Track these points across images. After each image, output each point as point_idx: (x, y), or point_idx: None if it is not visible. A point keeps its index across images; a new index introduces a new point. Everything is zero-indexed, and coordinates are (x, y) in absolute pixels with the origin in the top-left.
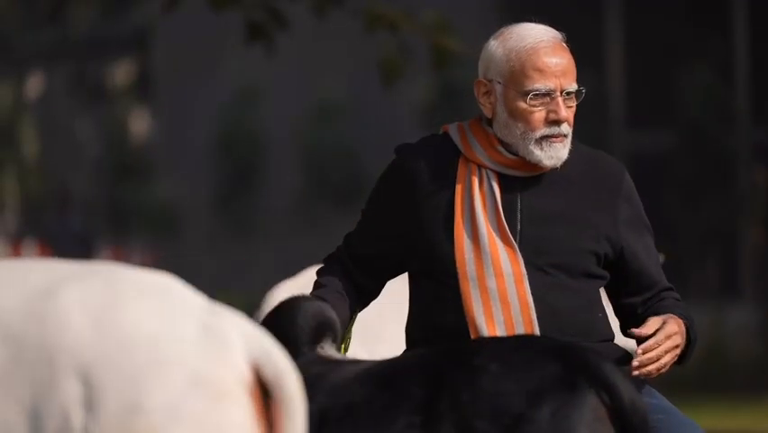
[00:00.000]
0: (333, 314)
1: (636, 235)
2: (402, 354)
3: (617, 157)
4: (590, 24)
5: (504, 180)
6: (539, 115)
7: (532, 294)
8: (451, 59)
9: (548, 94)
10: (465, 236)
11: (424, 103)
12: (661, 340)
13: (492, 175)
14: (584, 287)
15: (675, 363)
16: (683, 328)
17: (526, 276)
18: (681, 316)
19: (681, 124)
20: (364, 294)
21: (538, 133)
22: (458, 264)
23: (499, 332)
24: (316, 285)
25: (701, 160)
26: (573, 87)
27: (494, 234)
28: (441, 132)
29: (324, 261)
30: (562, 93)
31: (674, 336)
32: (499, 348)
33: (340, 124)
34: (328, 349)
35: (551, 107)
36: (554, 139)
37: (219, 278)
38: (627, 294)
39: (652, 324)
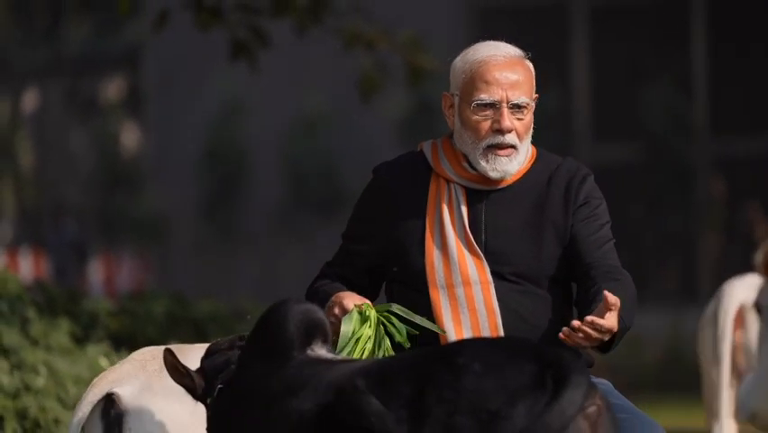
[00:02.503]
0: (320, 314)
1: (587, 226)
2: (392, 356)
3: None
4: (558, 44)
5: (470, 195)
6: (485, 124)
7: (498, 301)
8: (425, 76)
9: (493, 105)
10: (435, 248)
11: (400, 117)
12: (594, 331)
13: (460, 190)
14: (549, 293)
15: (600, 350)
16: (615, 325)
17: (492, 284)
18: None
19: (644, 138)
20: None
21: (484, 143)
22: (428, 273)
23: (467, 336)
24: (316, 289)
25: (662, 171)
26: (522, 99)
27: (462, 246)
28: (418, 149)
29: (312, 284)
30: (508, 104)
31: (606, 333)
32: (481, 348)
33: (320, 137)
34: (318, 350)
35: (495, 117)
36: (500, 151)
37: (204, 284)
38: (577, 277)
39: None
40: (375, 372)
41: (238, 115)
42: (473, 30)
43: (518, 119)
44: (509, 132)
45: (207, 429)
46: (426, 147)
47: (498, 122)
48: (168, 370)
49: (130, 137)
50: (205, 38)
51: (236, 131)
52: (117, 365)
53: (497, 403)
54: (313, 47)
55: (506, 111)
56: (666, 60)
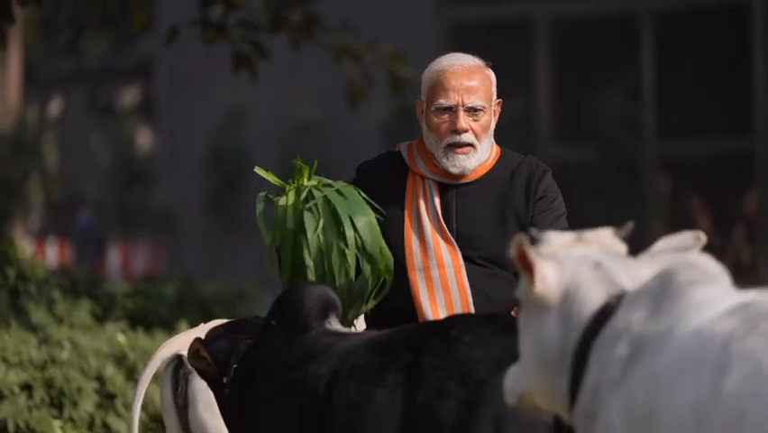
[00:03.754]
0: (334, 295)
1: (545, 216)
2: (397, 328)
3: None
4: (523, 56)
5: (442, 188)
6: (444, 126)
7: (469, 282)
8: (405, 85)
9: (450, 108)
10: (413, 235)
11: (383, 121)
12: None
13: (433, 184)
14: (512, 275)
15: None
16: None
17: (464, 267)
18: None
19: (598, 140)
20: None
21: (443, 142)
22: (407, 257)
23: (442, 314)
24: None
25: (614, 169)
26: (477, 103)
27: (436, 233)
28: (396, 149)
29: None
30: (464, 107)
31: None
32: (471, 323)
33: (312, 139)
34: (334, 324)
35: (452, 120)
36: (458, 149)
37: (209, 269)
38: None
39: None
40: (380, 341)
41: (239, 120)
42: (449, 43)
43: (474, 120)
44: (465, 132)
45: (224, 409)
46: (403, 147)
47: (454, 123)
48: (188, 354)
49: (143, 139)
50: (210, 51)
51: (237, 134)
52: (190, 330)
53: (483, 372)
54: (305, 59)
55: (461, 114)
56: (618, 71)
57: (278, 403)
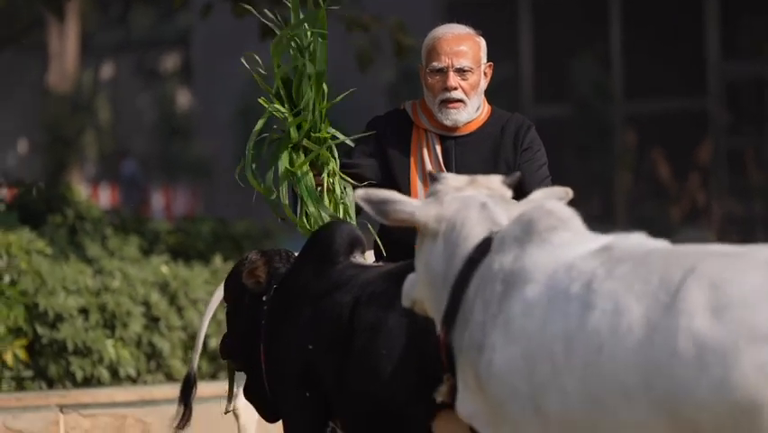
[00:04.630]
0: (360, 233)
1: (530, 165)
2: (408, 261)
3: None
4: (507, 26)
5: (443, 140)
6: (438, 85)
7: None
8: (408, 52)
9: (441, 70)
10: (418, 179)
11: (389, 84)
12: None
13: (434, 137)
14: None
15: None
16: None
17: None
18: None
19: (573, 101)
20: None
21: (438, 99)
22: (412, 197)
23: None
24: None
25: (587, 127)
26: (464, 64)
27: None
28: (401, 107)
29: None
30: (453, 69)
31: None
32: None
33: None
34: (359, 258)
35: (443, 79)
36: (450, 104)
37: (240, 210)
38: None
39: None
40: (394, 272)
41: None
42: (445, 15)
43: (463, 79)
44: (454, 89)
45: (259, 322)
46: (408, 105)
47: (444, 82)
48: (245, 272)
49: (183, 99)
50: (239, 23)
51: (261, 94)
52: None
53: None
54: None
55: (451, 74)
56: (590, 39)
57: (309, 326)
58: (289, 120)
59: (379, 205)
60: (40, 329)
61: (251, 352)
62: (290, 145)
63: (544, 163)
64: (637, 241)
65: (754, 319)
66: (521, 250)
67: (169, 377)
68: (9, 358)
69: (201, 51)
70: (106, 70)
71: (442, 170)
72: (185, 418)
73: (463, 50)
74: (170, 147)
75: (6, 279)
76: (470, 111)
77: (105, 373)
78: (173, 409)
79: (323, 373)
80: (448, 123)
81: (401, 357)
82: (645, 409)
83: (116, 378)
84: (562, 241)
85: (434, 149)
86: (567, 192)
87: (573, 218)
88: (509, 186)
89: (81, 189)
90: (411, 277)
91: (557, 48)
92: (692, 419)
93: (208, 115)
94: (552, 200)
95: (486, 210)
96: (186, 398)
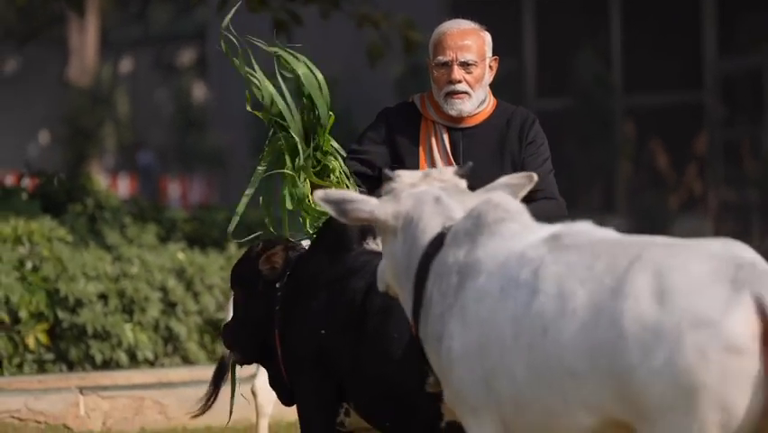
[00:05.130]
0: None
1: (534, 159)
2: None
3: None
4: (512, 24)
5: (451, 131)
6: (443, 78)
7: None
8: (416, 47)
9: (446, 63)
10: (427, 167)
11: (397, 78)
12: None
13: (442, 128)
14: None
15: None
16: None
17: None
18: None
19: (575, 93)
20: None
21: (443, 91)
22: None
23: None
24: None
25: (589, 118)
26: (468, 58)
27: (445, 166)
28: (410, 100)
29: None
30: (457, 62)
31: None
32: None
33: (338, 93)
34: (372, 244)
35: (448, 72)
36: (455, 96)
37: (253, 199)
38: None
39: None
40: None
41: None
42: (452, 12)
43: (468, 73)
44: (459, 82)
45: (272, 307)
46: (416, 98)
47: (449, 75)
48: (263, 258)
49: (199, 92)
50: (254, 19)
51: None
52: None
53: None
54: (333, 26)
55: (455, 67)
56: (591, 35)
57: (323, 311)
58: (298, 146)
59: (339, 204)
60: (61, 314)
61: (265, 337)
62: (292, 176)
63: (547, 157)
64: (585, 229)
65: (696, 305)
66: (473, 243)
67: (186, 360)
68: (31, 342)
69: (216, 46)
70: (125, 65)
71: (449, 160)
72: (211, 399)
73: (468, 44)
74: (187, 139)
75: (29, 265)
76: (475, 102)
77: (123, 357)
78: (189, 392)
79: (336, 356)
80: (453, 112)
81: (412, 341)
82: (591, 388)
83: (134, 361)
84: (511, 232)
85: (443, 139)
86: (531, 177)
87: (520, 210)
88: (462, 176)
89: (100, 179)
90: (383, 263)
91: (559, 43)
92: (636, 398)
93: (223, 108)
94: (500, 193)
95: (440, 204)
96: (217, 381)
